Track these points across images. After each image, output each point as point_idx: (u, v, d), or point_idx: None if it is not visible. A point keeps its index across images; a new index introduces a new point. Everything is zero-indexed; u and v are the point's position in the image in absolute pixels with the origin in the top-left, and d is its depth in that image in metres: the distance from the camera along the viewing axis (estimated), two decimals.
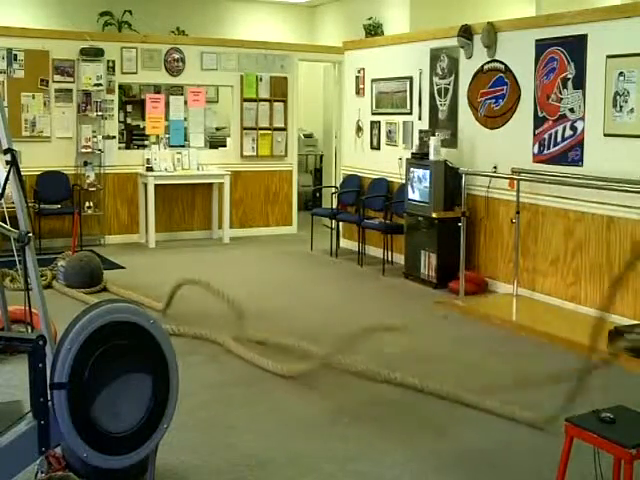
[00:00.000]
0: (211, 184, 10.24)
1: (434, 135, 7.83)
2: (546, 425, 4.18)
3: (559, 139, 6.73)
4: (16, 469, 3.02)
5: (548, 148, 6.85)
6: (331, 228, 9.47)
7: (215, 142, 11.43)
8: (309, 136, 13.14)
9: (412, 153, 8.14)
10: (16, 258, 5.03)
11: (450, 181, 7.52)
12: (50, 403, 3.01)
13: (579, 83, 6.51)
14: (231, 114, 10.61)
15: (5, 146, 3.24)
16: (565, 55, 6.63)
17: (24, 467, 3.10)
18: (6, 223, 3.50)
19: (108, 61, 9.60)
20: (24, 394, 3.23)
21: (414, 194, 7.90)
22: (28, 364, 2.99)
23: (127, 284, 7.40)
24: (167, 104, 10.06)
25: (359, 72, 9.66)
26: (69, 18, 11.17)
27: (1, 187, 3.29)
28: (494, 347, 5.83)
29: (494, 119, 7.46)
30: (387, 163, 8.97)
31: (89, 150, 9.49)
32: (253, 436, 4.14)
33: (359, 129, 9.67)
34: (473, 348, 5.79)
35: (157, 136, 10.01)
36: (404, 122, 8.79)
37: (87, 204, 9.50)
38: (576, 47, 6.51)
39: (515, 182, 7.02)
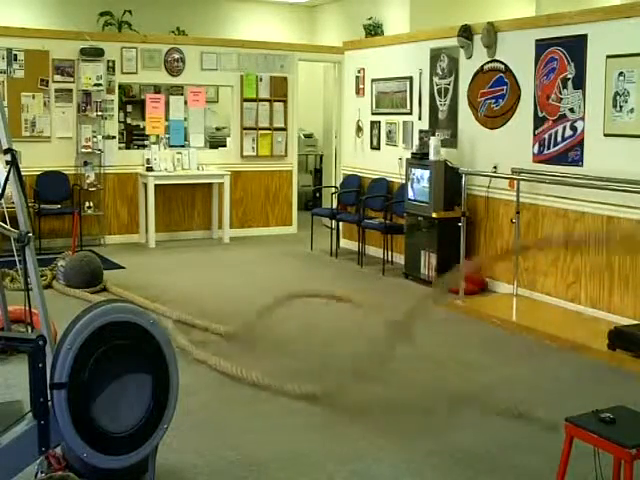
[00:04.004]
0: (211, 184, 10.24)
1: (434, 135, 7.83)
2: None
3: (559, 139, 6.73)
4: (16, 469, 3.02)
5: (548, 148, 6.85)
6: (331, 228, 9.47)
7: (215, 142, 11.44)
8: (309, 136, 13.13)
9: (412, 153, 8.14)
10: (16, 258, 5.04)
11: (450, 181, 7.52)
12: (50, 403, 3.02)
13: (579, 83, 6.51)
14: (231, 114, 10.61)
15: (5, 146, 3.24)
16: (565, 55, 6.63)
17: (24, 467, 3.10)
18: (6, 223, 3.50)
19: (108, 61, 9.60)
20: (24, 394, 3.23)
21: (414, 194, 7.90)
22: (28, 364, 2.99)
23: (127, 284, 7.40)
24: (167, 104, 10.06)
25: (359, 72, 9.66)
26: (69, 18, 11.16)
27: (1, 187, 3.29)
28: (494, 347, 5.83)
29: (494, 119, 7.46)
30: (387, 163, 8.97)
31: (89, 150, 9.48)
32: (253, 436, 4.14)
33: (359, 129, 9.67)
34: (473, 348, 5.79)
35: (157, 136, 10.00)
36: (404, 122, 8.79)
37: (87, 204, 9.49)
38: (576, 47, 6.51)
39: (515, 182, 7.02)
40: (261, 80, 10.49)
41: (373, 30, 11.15)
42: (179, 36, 11.59)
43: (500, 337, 6.08)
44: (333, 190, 9.99)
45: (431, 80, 8.32)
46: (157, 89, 11.35)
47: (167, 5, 12.22)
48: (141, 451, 3.19)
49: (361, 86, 9.62)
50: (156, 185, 9.58)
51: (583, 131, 6.50)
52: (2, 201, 3.43)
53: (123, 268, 8.33)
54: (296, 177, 11.02)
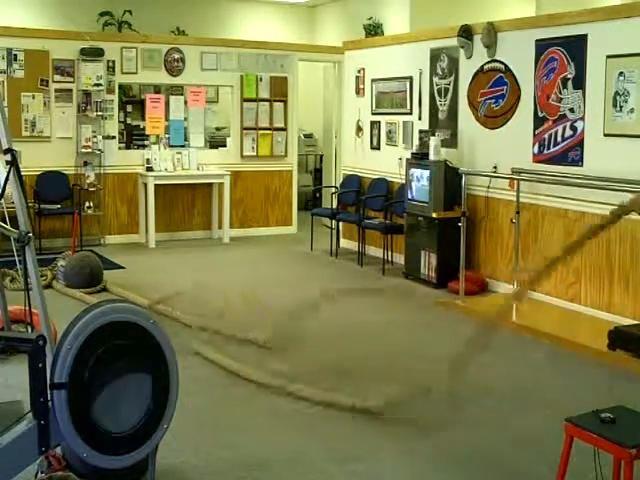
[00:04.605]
0: (211, 184, 10.24)
1: (434, 135, 7.83)
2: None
3: (559, 139, 6.73)
4: (16, 469, 3.02)
5: (548, 148, 6.85)
6: (331, 228, 9.47)
7: (215, 142, 11.43)
8: (309, 136, 13.13)
9: (412, 153, 8.14)
10: (16, 258, 5.05)
11: (450, 181, 7.52)
12: (50, 403, 3.02)
13: (579, 83, 6.51)
14: (231, 114, 10.61)
15: (5, 146, 3.24)
16: (565, 55, 6.63)
17: (24, 467, 3.09)
18: (6, 223, 3.50)
19: (108, 61, 9.60)
20: (24, 394, 3.23)
21: (414, 194, 7.90)
22: (28, 364, 2.99)
23: (127, 284, 7.40)
24: (167, 104, 10.06)
25: (359, 72, 9.66)
26: (69, 18, 11.16)
27: (1, 187, 3.29)
28: (494, 347, 5.82)
29: (494, 119, 7.46)
30: (387, 163, 8.97)
31: (89, 150, 9.49)
32: (253, 436, 4.14)
33: (359, 129, 9.67)
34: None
35: (157, 136, 10.01)
36: (404, 122, 8.79)
37: (87, 204, 9.50)
38: (576, 47, 6.51)
39: (515, 182, 7.02)
40: (261, 80, 10.49)
41: (373, 30, 11.15)
42: (179, 36, 11.60)
43: (500, 337, 6.07)
44: (333, 190, 9.99)
45: (431, 80, 8.32)
46: (157, 89, 11.34)
47: (167, 5, 12.22)
48: (141, 451, 3.18)
49: (361, 86, 9.63)
50: (156, 185, 9.58)
51: (583, 131, 6.50)
52: (2, 201, 3.44)
53: (123, 268, 8.33)
54: (296, 177, 11.02)
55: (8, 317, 3.73)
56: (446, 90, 8.11)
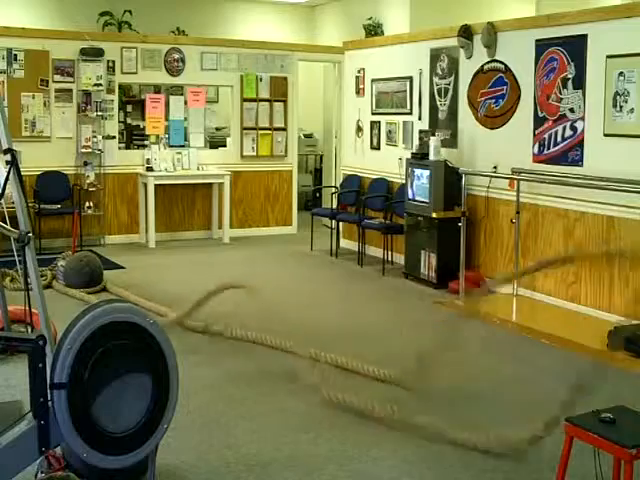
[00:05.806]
0: (211, 184, 10.24)
1: (434, 135, 7.83)
2: None
3: (559, 139, 6.73)
4: (16, 469, 3.02)
5: (548, 148, 6.85)
6: (331, 228, 9.47)
7: (215, 142, 11.43)
8: (309, 136, 13.13)
9: (412, 153, 8.14)
10: (16, 258, 5.04)
11: (450, 181, 7.52)
12: (50, 403, 3.02)
13: (579, 83, 6.51)
14: (231, 114, 10.61)
15: (5, 146, 3.24)
16: (565, 55, 6.63)
17: (24, 467, 3.10)
18: (6, 223, 3.50)
19: (108, 61, 9.60)
20: (24, 394, 3.23)
21: (414, 194, 7.90)
22: (28, 364, 2.99)
23: (127, 284, 7.40)
24: (167, 104, 10.07)
25: (359, 72, 9.66)
26: (69, 18, 11.16)
27: (1, 187, 3.29)
28: (494, 347, 5.83)
29: (494, 119, 7.46)
30: (387, 163, 8.97)
31: (89, 150, 9.48)
32: (253, 436, 4.14)
33: (359, 129, 9.67)
34: (473, 348, 5.79)
35: (157, 136, 10.00)
36: (404, 122, 8.79)
37: (87, 204, 9.49)
38: (576, 47, 6.51)
39: (515, 182, 7.02)
40: (261, 80, 10.49)
41: (373, 30, 11.15)
42: (179, 36, 11.59)
43: (500, 337, 6.08)
44: (333, 190, 9.99)
45: (431, 80, 8.32)
46: (157, 89, 11.34)
47: (167, 5, 12.22)
48: (141, 451, 3.19)
49: (361, 86, 9.63)
50: (156, 185, 9.58)
51: (583, 131, 6.50)
52: (2, 201, 3.44)
53: (123, 268, 8.33)
54: (296, 177, 11.02)
55: (8, 317, 3.73)
56: (446, 90, 8.11)
